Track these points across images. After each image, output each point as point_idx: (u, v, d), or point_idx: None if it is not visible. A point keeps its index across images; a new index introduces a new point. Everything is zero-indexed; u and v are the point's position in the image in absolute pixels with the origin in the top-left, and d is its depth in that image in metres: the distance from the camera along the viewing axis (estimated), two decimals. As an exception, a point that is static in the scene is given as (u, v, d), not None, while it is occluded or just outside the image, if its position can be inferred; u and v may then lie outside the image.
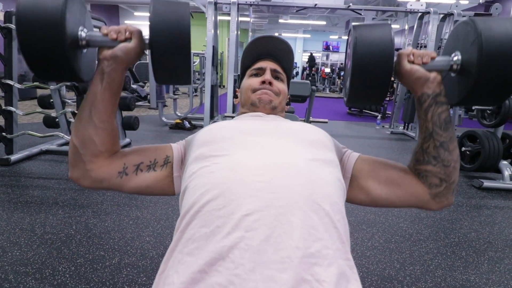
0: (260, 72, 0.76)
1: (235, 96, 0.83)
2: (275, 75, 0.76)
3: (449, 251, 1.57)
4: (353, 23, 0.59)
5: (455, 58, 0.58)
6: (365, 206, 0.67)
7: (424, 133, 0.60)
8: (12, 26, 2.34)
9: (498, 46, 0.51)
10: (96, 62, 0.60)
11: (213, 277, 0.43)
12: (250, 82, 0.76)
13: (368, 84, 0.57)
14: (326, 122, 3.34)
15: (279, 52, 0.78)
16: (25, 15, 0.50)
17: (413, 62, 0.58)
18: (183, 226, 0.51)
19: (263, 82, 0.73)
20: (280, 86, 0.76)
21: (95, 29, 0.60)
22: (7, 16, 2.35)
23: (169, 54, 0.55)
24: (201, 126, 4.35)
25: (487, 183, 2.45)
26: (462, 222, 1.89)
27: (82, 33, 0.56)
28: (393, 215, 1.92)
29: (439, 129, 0.58)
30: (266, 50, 0.78)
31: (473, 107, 2.71)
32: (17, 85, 2.41)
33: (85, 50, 0.59)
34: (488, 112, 2.63)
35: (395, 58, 0.57)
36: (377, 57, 0.55)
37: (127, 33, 0.57)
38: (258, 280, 0.42)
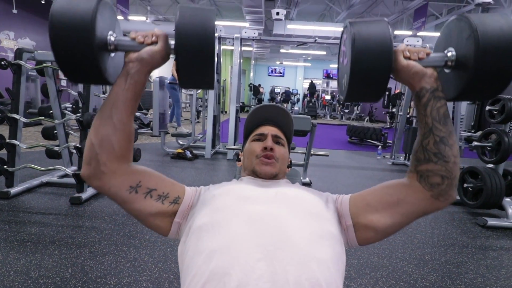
0: (262, 137, 0.79)
1: (238, 160, 0.85)
2: (276, 140, 0.79)
3: (456, 300, 1.51)
4: (349, 20, 0.59)
5: (450, 54, 0.59)
6: (381, 241, 0.68)
7: (423, 129, 0.61)
8: (22, 62, 2.43)
9: (493, 40, 0.52)
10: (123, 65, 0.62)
11: None
12: (252, 147, 0.78)
13: (367, 81, 0.56)
14: (327, 155, 3.34)
15: (279, 118, 0.82)
16: (57, 18, 0.53)
17: (409, 58, 0.59)
18: None
19: (265, 148, 0.75)
20: (281, 151, 0.78)
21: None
22: (18, 53, 2.44)
23: (194, 58, 0.56)
24: (203, 156, 4.38)
25: (491, 221, 2.41)
26: (468, 265, 1.84)
27: (111, 37, 0.59)
28: (397, 258, 1.87)
29: (438, 124, 0.59)
30: (268, 117, 0.82)
31: (473, 143, 2.73)
32: (23, 119, 2.45)
33: (113, 54, 0.61)
34: (489, 148, 2.64)
35: None
36: (376, 53, 0.55)
37: (154, 37, 0.59)
38: None
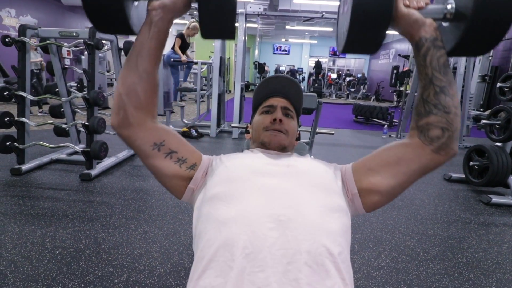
0: (271, 109, 0.78)
1: (246, 132, 0.85)
2: (285, 112, 0.78)
3: (456, 272, 1.56)
4: None
5: (449, 6, 0.58)
6: (386, 204, 0.68)
7: (423, 80, 0.61)
8: (26, 39, 2.41)
9: None
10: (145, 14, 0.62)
11: None
12: (261, 119, 0.78)
13: (367, 27, 0.55)
14: (333, 134, 3.33)
15: (289, 90, 0.81)
16: None
17: (408, 6, 0.58)
18: (198, 273, 0.53)
19: (274, 120, 0.75)
20: (290, 124, 0.77)
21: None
22: (21, 30, 2.42)
23: (215, 5, 0.56)
24: (208, 135, 4.39)
25: (495, 199, 2.42)
26: (470, 240, 1.88)
27: None
28: (400, 232, 1.91)
29: (438, 74, 0.58)
30: (277, 88, 0.80)
31: (482, 122, 2.69)
32: (30, 97, 2.47)
33: (136, 3, 0.62)
34: (497, 126, 2.60)
35: None
36: (377, 1, 0.54)
37: None
38: None
